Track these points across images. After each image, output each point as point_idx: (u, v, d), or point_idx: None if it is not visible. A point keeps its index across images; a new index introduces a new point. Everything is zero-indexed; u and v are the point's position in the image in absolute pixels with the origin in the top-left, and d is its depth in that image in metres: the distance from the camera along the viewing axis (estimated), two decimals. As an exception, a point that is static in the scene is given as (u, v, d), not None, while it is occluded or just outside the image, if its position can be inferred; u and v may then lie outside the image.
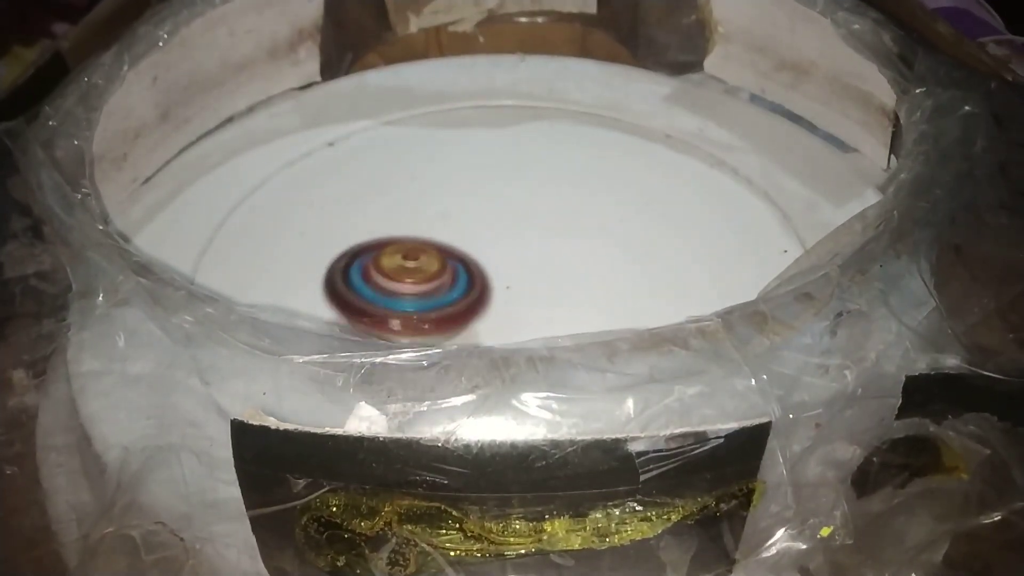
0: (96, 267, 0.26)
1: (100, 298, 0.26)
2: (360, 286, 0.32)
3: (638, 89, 0.45)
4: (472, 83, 0.46)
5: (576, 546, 0.24)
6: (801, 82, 0.42)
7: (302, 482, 0.23)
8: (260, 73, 0.43)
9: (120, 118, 0.36)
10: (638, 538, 0.24)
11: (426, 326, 0.31)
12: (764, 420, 0.23)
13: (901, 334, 0.25)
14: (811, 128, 0.42)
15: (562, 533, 0.24)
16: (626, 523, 0.24)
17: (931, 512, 0.27)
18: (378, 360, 0.23)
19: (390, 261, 0.33)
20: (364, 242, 0.35)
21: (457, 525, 0.23)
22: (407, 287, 0.32)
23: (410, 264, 0.33)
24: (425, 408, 0.22)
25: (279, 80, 0.44)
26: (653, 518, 0.24)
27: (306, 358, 0.23)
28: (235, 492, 0.24)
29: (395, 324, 0.31)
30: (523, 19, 0.50)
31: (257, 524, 0.24)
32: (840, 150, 0.41)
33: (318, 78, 0.46)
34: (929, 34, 0.39)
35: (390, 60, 0.49)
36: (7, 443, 0.30)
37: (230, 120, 0.43)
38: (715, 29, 0.44)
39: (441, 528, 0.23)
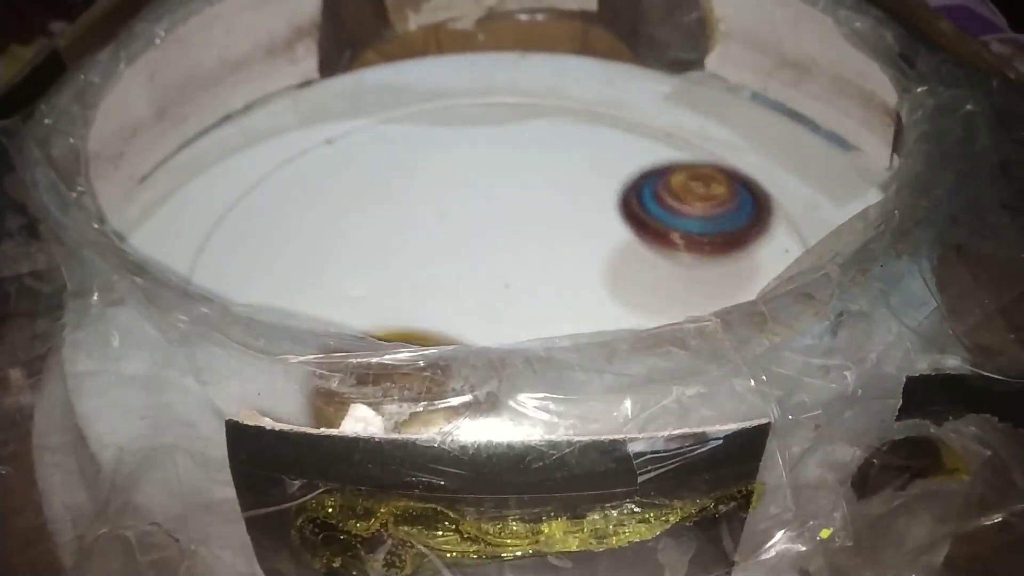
0: (91, 266, 0.26)
1: (95, 297, 0.26)
2: (650, 204, 0.35)
3: (639, 87, 0.45)
4: (472, 81, 0.46)
5: (573, 548, 0.24)
6: (803, 81, 0.41)
7: (297, 483, 0.23)
8: (258, 71, 0.43)
9: (117, 116, 0.36)
10: (636, 540, 0.24)
11: (706, 246, 0.34)
12: (763, 421, 0.23)
13: (902, 335, 0.25)
14: (812, 127, 0.42)
15: (559, 535, 0.23)
16: (624, 525, 0.23)
17: (932, 514, 0.27)
18: (374, 360, 0.22)
19: (679, 183, 0.36)
20: (656, 166, 0.38)
21: (453, 527, 0.23)
22: (694, 209, 0.35)
23: (698, 188, 0.35)
24: (421, 409, 0.22)
25: (277, 78, 0.44)
26: (651, 520, 0.23)
27: (301, 358, 0.23)
28: (230, 493, 0.24)
29: (678, 240, 0.34)
30: (523, 16, 0.50)
31: (252, 525, 0.24)
32: (841, 149, 0.41)
33: (316, 76, 0.46)
34: (931, 32, 0.39)
35: (389, 57, 0.49)
36: (2, 443, 0.30)
37: (227, 118, 0.43)
38: (716, 27, 0.44)
39: (437, 529, 0.23)
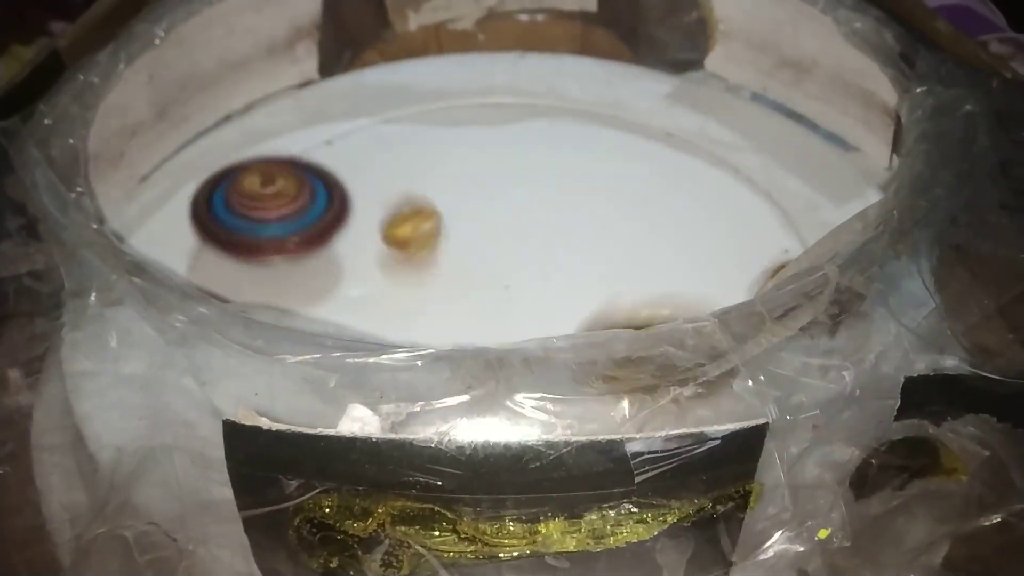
0: (89, 266, 0.26)
1: (93, 297, 0.26)
2: (226, 216, 0.34)
3: (638, 87, 0.45)
4: (471, 81, 0.46)
5: (571, 548, 0.24)
6: (802, 80, 0.41)
7: (295, 483, 0.23)
8: (258, 71, 0.43)
9: (117, 116, 0.36)
10: (634, 540, 0.24)
11: (293, 247, 0.34)
12: (761, 421, 0.23)
13: (900, 335, 0.25)
14: (812, 127, 0.42)
15: (557, 535, 0.23)
16: (622, 525, 0.23)
17: (930, 514, 0.27)
18: (371, 360, 0.22)
19: (251, 186, 0.34)
20: (219, 171, 0.37)
21: (451, 527, 0.23)
22: (271, 212, 0.34)
23: (269, 189, 0.34)
24: (418, 409, 0.22)
25: (277, 78, 0.44)
26: (649, 520, 0.23)
27: (299, 358, 0.23)
28: (228, 493, 0.24)
29: (268, 248, 0.34)
30: (523, 17, 0.50)
31: (250, 525, 0.24)
32: (841, 149, 0.40)
33: (316, 76, 0.46)
34: (928, 32, 0.39)
35: (389, 58, 0.49)
36: (1, 443, 0.30)
37: (228, 118, 0.43)
38: (716, 27, 0.44)
39: (435, 530, 0.23)
